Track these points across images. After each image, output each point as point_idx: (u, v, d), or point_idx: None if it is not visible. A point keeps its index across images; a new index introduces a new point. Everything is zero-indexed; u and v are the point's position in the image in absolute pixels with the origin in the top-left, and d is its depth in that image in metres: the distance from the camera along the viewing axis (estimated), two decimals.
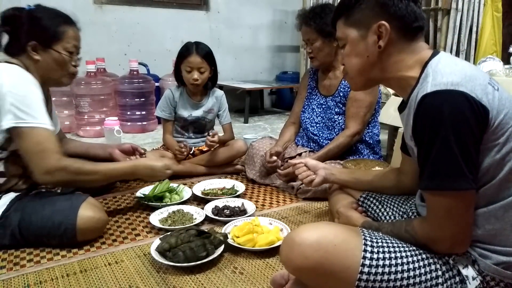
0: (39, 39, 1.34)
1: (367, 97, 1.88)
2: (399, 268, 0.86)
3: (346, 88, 1.94)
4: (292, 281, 1.01)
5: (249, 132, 3.41)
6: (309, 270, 0.87)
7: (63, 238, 1.31)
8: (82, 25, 1.48)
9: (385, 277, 0.85)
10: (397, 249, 0.89)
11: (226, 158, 2.18)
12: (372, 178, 1.34)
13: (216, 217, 1.56)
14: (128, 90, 3.39)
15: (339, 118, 1.97)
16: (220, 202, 1.68)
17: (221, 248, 1.29)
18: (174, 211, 1.59)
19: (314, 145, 2.02)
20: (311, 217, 1.66)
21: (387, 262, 0.86)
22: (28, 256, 1.30)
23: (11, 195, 1.33)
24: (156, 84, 3.59)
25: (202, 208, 1.62)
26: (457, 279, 0.86)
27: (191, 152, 2.22)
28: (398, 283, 0.85)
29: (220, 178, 2.05)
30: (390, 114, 2.27)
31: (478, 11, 3.05)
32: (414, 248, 0.90)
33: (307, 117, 2.07)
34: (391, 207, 1.23)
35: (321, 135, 2.01)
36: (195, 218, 1.55)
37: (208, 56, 2.09)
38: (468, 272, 0.86)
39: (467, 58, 3.12)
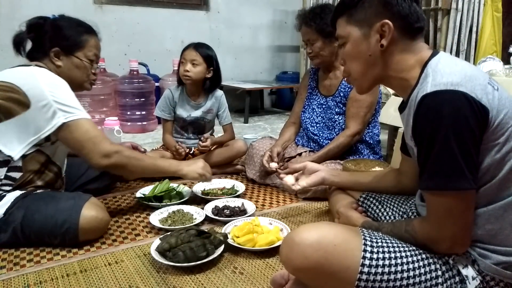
0: (62, 46, 1.42)
1: (367, 97, 1.87)
2: (399, 268, 0.86)
3: (347, 88, 1.94)
4: (292, 281, 1.01)
5: (249, 132, 3.42)
6: (309, 270, 0.87)
7: (65, 237, 1.31)
8: None
9: (385, 277, 0.85)
10: (397, 249, 0.89)
11: (226, 158, 2.18)
12: (371, 179, 1.34)
13: (216, 217, 1.55)
14: (128, 90, 3.39)
15: (340, 118, 1.97)
16: (220, 202, 1.68)
17: (221, 248, 1.29)
18: (174, 211, 1.59)
19: (314, 145, 2.02)
20: (311, 217, 1.66)
21: (387, 262, 0.86)
22: (28, 256, 1.30)
23: (16, 193, 1.34)
24: (156, 84, 3.59)
25: (202, 208, 1.62)
26: (457, 279, 0.86)
27: (191, 153, 2.22)
28: (398, 283, 0.85)
29: (220, 178, 2.05)
30: (390, 114, 2.27)
31: (478, 11, 3.05)
32: (414, 248, 0.90)
33: (308, 117, 2.07)
34: (391, 207, 1.23)
35: (321, 135, 2.01)
36: (195, 218, 1.55)
37: (204, 53, 2.10)
38: (468, 272, 0.86)
39: (467, 58, 3.12)
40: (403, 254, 0.88)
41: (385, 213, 1.23)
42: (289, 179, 1.46)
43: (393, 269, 0.85)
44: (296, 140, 2.14)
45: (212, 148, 2.19)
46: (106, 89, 3.31)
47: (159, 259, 1.23)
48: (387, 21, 0.91)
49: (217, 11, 4.36)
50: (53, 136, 1.37)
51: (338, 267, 0.85)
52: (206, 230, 1.31)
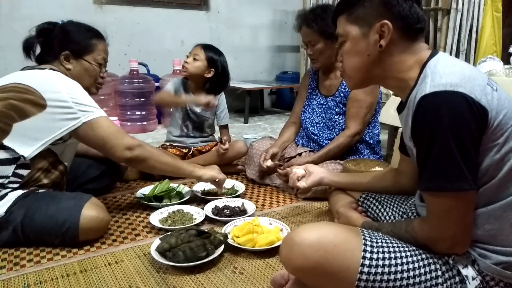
0: (72, 50, 1.47)
1: (367, 98, 1.87)
2: (399, 268, 0.86)
3: (347, 89, 1.94)
4: (292, 281, 1.01)
5: (249, 132, 3.42)
6: (309, 270, 0.87)
7: (65, 237, 1.32)
8: None
9: (385, 277, 0.85)
10: (397, 249, 0.89)
11: (226, 158, 2.18)
12: (370, 179, 1.34)
13: (216, 217, 1.56)
14: (128, 90, 3.39)
15: (340, 118, 1.97)
16: (220, 202, 1.68)
17: (221, 248, 1.29)
18: (174, 211, 1.59)
19: (314, 145, 2.02)
20: (311, 217, 1.66)
21: (386, 262, 0.86)
22: (28, 256, 1.30)
23: (18, 193, 1.34)
24: (156, 84, 3.59)
25: (202, 208, 1.62)
26: (457, 279, 0.86)
27: (190, 153, 2.22)
28: (398, 283, 0.85)
29: None
30: (390, 114, 2.27)
31: (478, 11, 3.05)
32: (414, 248, 0.90)
33: (308, 117, 2.07)
34: (391, 207, 1.23)
35: (321, 135, 2.01)
36: (195, 218, 1.55)
37: (209, 53, 2.11)
38: (468, 272, 0.86)
39: (467, 58, 3.12)
40: (403, 254, 0.88)
41: (385, 213, 1.23)
42: (299, 171, 1.52)
43: (393, 269, 0.85)
44: (296, 140, 2.14)
45: (212, 149, 2.19)
46: (106, 89, 3.31)
47: (159, 259, 1.23)
48: (386, 21, 0.91)
49: (217, 11, 4.36)
50: (67, 135, 1.39)
51: (338, 267, 0.85)
52: (206, 230, 1.31)
